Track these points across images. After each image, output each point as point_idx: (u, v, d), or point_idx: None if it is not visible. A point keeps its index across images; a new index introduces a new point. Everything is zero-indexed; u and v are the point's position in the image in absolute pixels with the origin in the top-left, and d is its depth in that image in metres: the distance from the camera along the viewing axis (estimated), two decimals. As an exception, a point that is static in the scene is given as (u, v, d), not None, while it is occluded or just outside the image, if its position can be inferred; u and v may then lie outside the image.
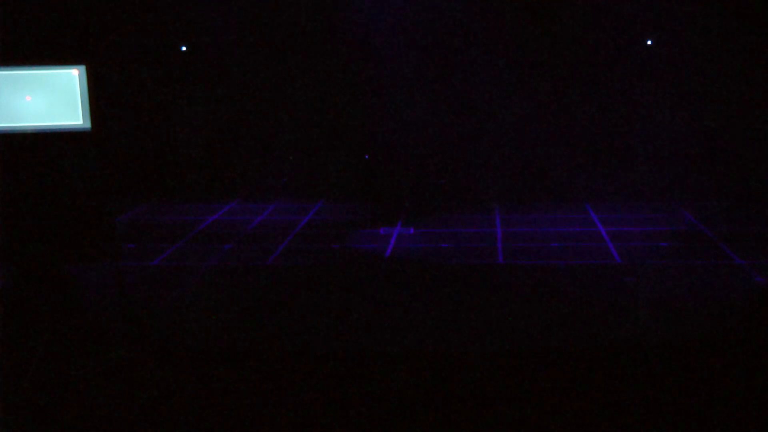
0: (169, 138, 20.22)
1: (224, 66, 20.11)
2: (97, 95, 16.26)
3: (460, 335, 10.97)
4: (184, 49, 19.93)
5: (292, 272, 14.28)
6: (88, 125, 15.95)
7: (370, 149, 19.64)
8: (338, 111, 20.10)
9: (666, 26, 19.32)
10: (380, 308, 12.27)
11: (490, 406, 9.31)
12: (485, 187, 19.78)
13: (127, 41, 19.57)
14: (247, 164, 19.57)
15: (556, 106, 19.83)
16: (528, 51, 19.62)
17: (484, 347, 10.52)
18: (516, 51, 19.63)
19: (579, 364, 9.91)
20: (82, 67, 16.10)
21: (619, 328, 11.16)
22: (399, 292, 13.08)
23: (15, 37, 17.17)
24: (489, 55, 19.76)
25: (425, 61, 19.88)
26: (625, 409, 9.24)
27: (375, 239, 16.18)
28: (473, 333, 11.04)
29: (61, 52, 17.74)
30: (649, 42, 19.49)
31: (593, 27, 19.38)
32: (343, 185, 18.15)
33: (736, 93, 19.32)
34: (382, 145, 20.07)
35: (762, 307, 11.88)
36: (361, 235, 16.32)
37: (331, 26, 19.79)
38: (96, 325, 11.41)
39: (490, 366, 9.88)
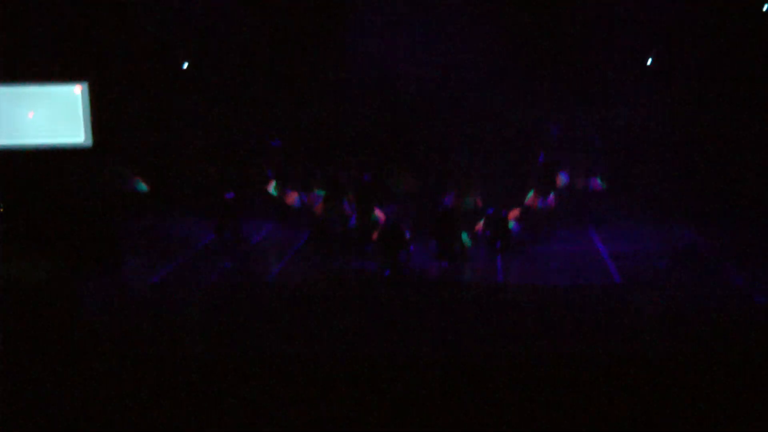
0: (171, 154, 20.20)
1: (226, 83, 20.14)
2: (99, 111, 16.33)
3: (459, 355, 10.95)
4: (186, 65, 19.97)
5: (293, 289, 14.29)
6: (90, 141, 16.02)
7: (372, 169, 19.67)
8: (340, 129, 20.13)
9: (668, 43, 19.37)
10: (378, 326, 12.25)
11: (488, 427, 9.31)
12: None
13: (129, 58, 19.60)
14: (248, 181, 19.50)
15: (557, 126, 19.82)
16: (526, 69, 19.64)
17: (484, 366, 10.50)
18: (513, 70, 19.65)
19: (578, 384, 9.90)
20: (85, 84, 16.21)
21: (619, 348, 11.15)
22: (397, 311, 13.07)
23: (18, 53, 17.23)
24: (486, 75, 19.80)
25: (424, 77, 19.94)
26: (625, 428, 9.23)
27: (375, 256, 16.13)
28: (472, 352, 11.02)
29: (63, 68, 17.83)
30: (649, 62, 19.52)
31: (594, 44, 19.42)
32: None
33: (740, 112, 19.34)
34: (383, 164, 20.09)
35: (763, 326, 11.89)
36: (361, 251, 16.28)
37: (333, 43, 19.86)
38: (96, 339, 11.42)
39: (489, 385, 9.88)
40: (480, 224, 16.72)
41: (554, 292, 13.87)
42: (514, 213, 16.94)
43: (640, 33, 19.29)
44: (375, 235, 15.98)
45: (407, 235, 15.93)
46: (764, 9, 18.75)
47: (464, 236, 16.15)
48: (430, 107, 20.10)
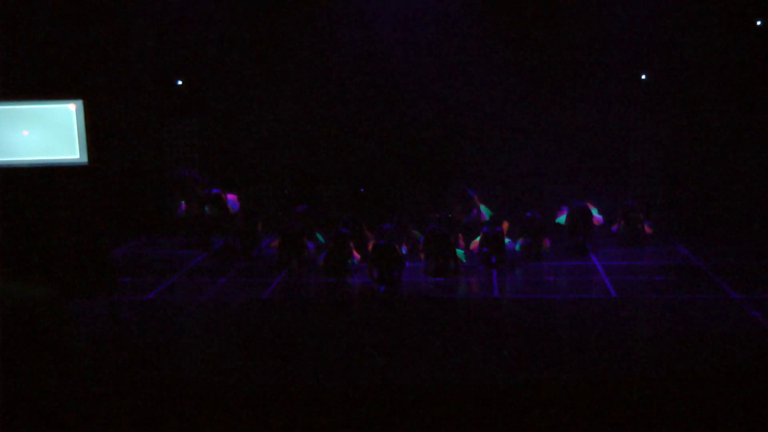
0: (165, 171, 20.18)
1: (220, 100, 20.15)
2: (93, 130, 16.35)
3: (456, 369, 10.94)
4: (180, 83, 19.99)
5: (289, 307, 14.28)
6: (85, 159, 16.05)
7: (366, 182, 19.71)
8: (335, 145, 20.15)
9: (661, 60, 19.43)
10: (374, 343, 12.22)
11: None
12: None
13: (123, 75, 19.63)
14: (242, 198, 19.49)
15: (550, 142, 19.88)
16: (519, 91, 19.73)
17: (479, 381, 10.50)
18: (508, 90, 19.73)
19: (574, 399, 9.90)
20: (79, 102, 16.23)
21: (615, 363, 11.15)
22: (392, 327, 13.06)
23: (12, 72, 17.27)
24: (477, 99, 19.90)
25: (416, 110, 20.06)
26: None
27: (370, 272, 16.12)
28: (469, 367, 11.01)
29: (58, 87, 17.87)
30: (643, 76, 19.57)
31: (586, 61, 19.48)
32: (338, 218, 18.13)
33: (733, 129, 19.41)
34: (377, 176, 20.14)
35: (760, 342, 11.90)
36: (355, 268, 16.27)
37: (328, 62, 19.90)
38: (91, 360, 11.38)
39: (485, 400, 9.88)
40: (477, 241, 16.75)
41: (550, 307, 13.88)
42: (507, 226, 17.03)
43: (635, 45, 19.40)
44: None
45: (403, 251, 15.94)
46: (758, 23, 18.84)
47: (459, 252, 16.18)
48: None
